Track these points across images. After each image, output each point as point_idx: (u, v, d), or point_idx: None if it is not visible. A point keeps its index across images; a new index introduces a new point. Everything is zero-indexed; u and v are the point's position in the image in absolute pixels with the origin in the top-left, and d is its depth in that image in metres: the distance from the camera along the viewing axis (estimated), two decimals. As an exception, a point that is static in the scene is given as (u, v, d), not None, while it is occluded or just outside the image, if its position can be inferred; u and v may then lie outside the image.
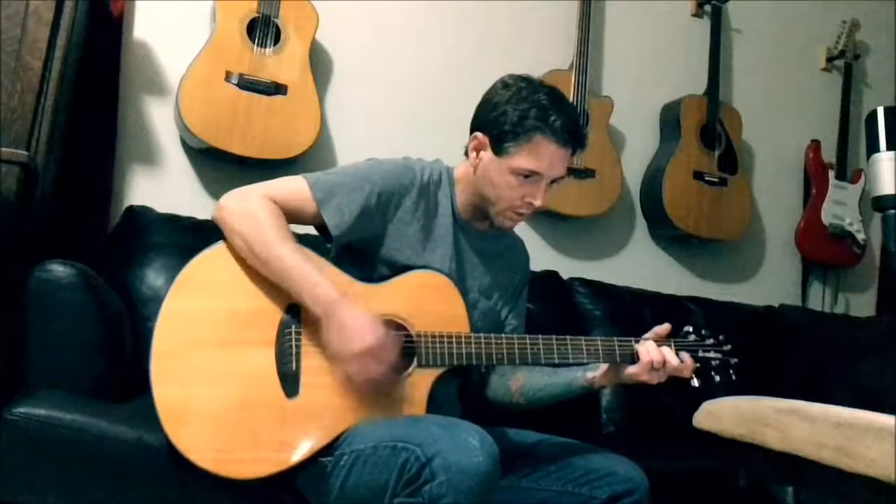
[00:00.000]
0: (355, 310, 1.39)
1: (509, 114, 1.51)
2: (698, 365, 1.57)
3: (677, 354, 1.54)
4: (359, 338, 1.37)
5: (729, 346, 1.61)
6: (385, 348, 1.39)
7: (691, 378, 1.57)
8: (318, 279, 1.41)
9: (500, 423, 1.61)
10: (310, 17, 2.40)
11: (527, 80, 1.57)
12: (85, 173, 2.20)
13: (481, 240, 1.65)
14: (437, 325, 1.49)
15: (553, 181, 1.56)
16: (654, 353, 1.50)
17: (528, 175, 1.53)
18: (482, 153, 1.57)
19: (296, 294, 1.41)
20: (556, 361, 1.54)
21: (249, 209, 1.44)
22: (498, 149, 1.53)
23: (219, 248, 1.47)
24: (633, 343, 1.54)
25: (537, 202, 1.55)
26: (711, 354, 1.59)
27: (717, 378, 1.58)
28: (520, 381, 1.64)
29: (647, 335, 1.56)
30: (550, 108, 1.51)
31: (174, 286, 1.43)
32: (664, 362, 1.50)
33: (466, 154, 1.61)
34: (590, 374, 1.56)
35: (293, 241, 1.44)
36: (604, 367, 1.55)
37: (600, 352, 1.54)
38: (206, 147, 2.27)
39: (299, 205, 1.49)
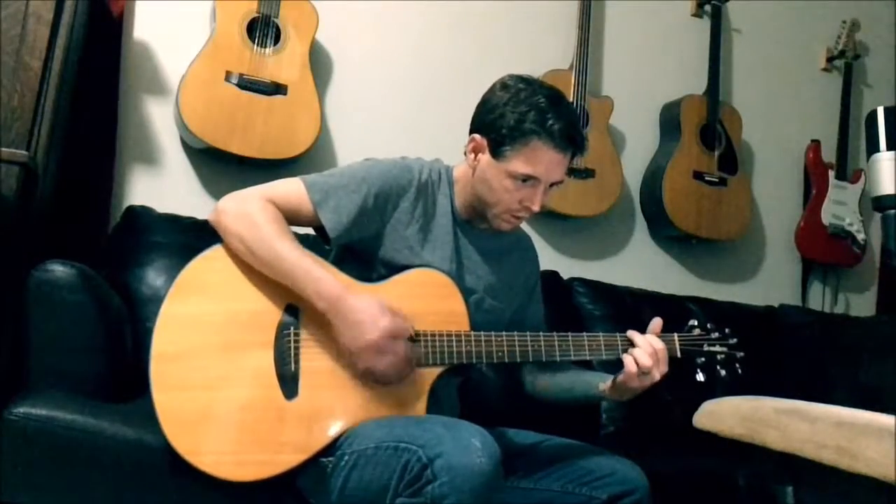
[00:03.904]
0: (361, 299, 1.39)
1: (507, 116, 1.49)
2: (702, 359, 1.57)
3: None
4: (371, 325, 1.37)
5: (734, 340, 1.60)
6: (400, 328, 1.39)
7: (697, 373, 1.56)
8: (322, 274, 1.40)
9: (500, 423, 1.61)
10: (310, 16, 2.40)
11: (526, 81, 1.55)
12: (85, 173, 2.20)
13: (483, 238, 1.65)
14: (436, 324, 1.49)
15: (552, 185, 1.55)
16: (642, 358, 1.48)
17: (526, 179, 1.51)
18: (480, 155, 1.55)
19: (300, 291, 1.41)
20: (558, 358, 1.54)
21: (247, 211, 1.44)
22: (496, 152, 1.52)
23: (216, 250, 1.47)
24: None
25: (535, 207, 1.53)
26: (717, 349, 1.58)
27: (723, 372, 1.57)
28: (544, 383, 1.67)
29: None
30: (549, 112, 1.48)
31: (172, 289, 1.43)
32: (650, 364, 1.49)
33: (465, 154, 1.60)
34: (602, 385, 1.56)
35: (292, 239, 1.44)
36: (610, 380, 1.55)
37: (602, 347, 1.54)
38: (206, 147, 2.28)
39: (296, 207, 1.49)
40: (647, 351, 1.49)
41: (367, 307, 1.38)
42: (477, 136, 1.55)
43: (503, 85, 1.55)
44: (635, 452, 1.61)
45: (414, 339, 1.45)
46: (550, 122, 1.48)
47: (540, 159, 1.49)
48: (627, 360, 1.49)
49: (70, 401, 1.50)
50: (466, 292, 1.57)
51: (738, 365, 1.58)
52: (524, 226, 1.70)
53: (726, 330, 1.62)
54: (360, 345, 1.38)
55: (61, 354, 1.61)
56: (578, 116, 1.58)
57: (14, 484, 1.43)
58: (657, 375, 1.50)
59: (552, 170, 1.52)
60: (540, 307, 1.76)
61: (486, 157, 1.54)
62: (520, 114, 1.49)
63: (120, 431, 1.46)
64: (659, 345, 1.50)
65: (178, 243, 2.06)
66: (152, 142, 2.39)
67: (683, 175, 2.88)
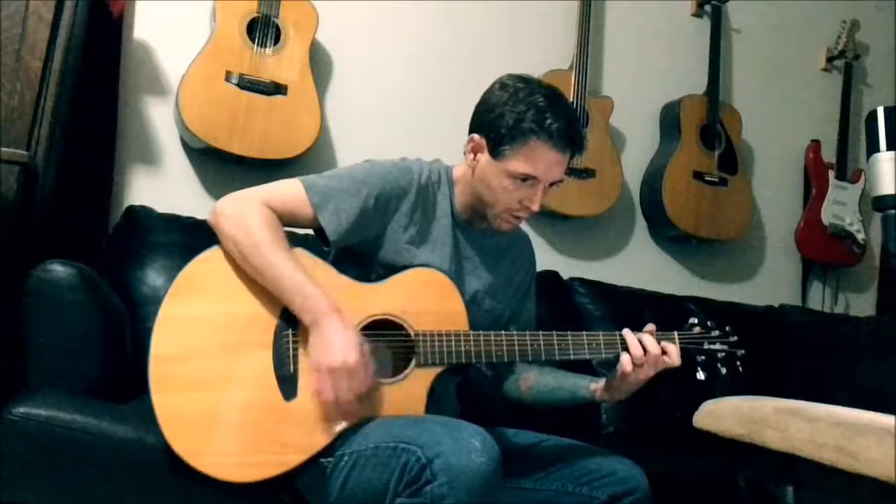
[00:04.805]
0: (343, 326, 1.38)
1: (506, 116, 1.49)
2: (703, 357, 1.57)
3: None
4: (338, 353, 1.35)
5: (735, 338, 1.59)
6: (359, 373, 1.37)
7: (697, 371, 1.56)
8: (311, 290, 1.39)
9: (499, 423, 1.61)
10: (310, 16, 2.40)
11: (525, 80, 1.54)
12: (85, 173, 2.19)
13: (483, 238, 1.65)
14: (435, 324, 1.48)
15: (552, 184, 1.55)
16: (634, 347, 1.49)
17: (525, 179, 1.51)
18: (479, 155, 1.55)
19: (287, 302, 1.41)
20: (557, 358, 1.53)
21: (243, 215, 1.43)
22: (495, 151, 1.51)
23: (215, 251, 1.47)
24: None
25: (534, 207, 1.53)
26: (717, 346, 1.58)
27: (724, 370, 1.57)
28: (529, 381, 1.65)
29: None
30: (547, 111, 1.48)
31: (171, 290, 1.43)
32: (644, 353, 1.49)
33: (465, 154, 1.60)
34: (592, 386, 1.56)
35: (287, 248, 1.43)
36: (603, 381, 1.55)
37: (602, 345, 1.53)
38: (205, 147, 2.27)
39: (296, 209, 1.48)
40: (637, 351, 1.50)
41: (340, 334, 1.37)
42: (476, 135, 1.55)
43: (502, 84, 1.55)
44: (635, 452, 1.61)
45: (406, 343, 1.46)
46: (549, 121, 1.48)
47: (539, 159, 1.49)
48: (624, 357, 1.49)
49: (70, 401, 1.50)
50: (466, 292, 1.57)
51: (738, 363, 1.58)
52: (523, 225, 1.70)
53: (727, 328, 1.61)
54: (319, 364, 1.37)
55: (61, 354, 1.61)
56: (577, 115, 1.57)
57: (14, 484, 1.43)
58: (651, 372, 1.50)
59: (551, 169, 1.51)
60: (532, 305, 1.76)
61: (485, 157, 1.54)
62: (518, 113, 1.48)
63: (120, 431, 1.46)
64: (650, 344, 1.50)
65: (178, 243, 2.06)
66: (152, 142, 2.39)
67: (683, 175, 2.88)
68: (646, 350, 1.49)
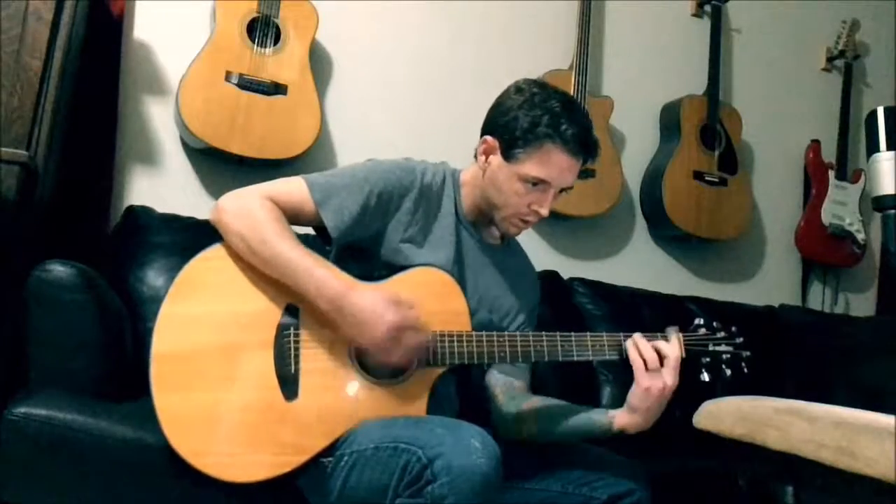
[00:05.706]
0: (364, 296, 1.38)
1: (521, 119, 1.49)
2: (707, 359, 1.56)
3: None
4: (379, 320, 1.35)
5: (741, 339, 1.58)
6: (408, 316, 1.37)
7: (701, 373, 1.55)
8: (323, 273, 1.39)
9: (500, 423, 1.61)
10: (310, 16, 2.40)
11: (540, 85, 1.55)
12: (85, 173, 2.19)
13: (488, 249, 1.64)
14: (438, 324, 1.48)
15: (562, 190, 1.55)
16: (646, 352, 1.46)
17: (537, 183, 1.51)
18: (491, 157, 1.55)
19: (301, 290, 1.40)
20: (560, 359, 1.52)
21: (247, 209, 1.43)
22: (508, 154, 1.51)
23: (216, 249, 1.47)
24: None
25: (543, 211, 1.53)
26: (722, 348, 1.56)
27: (729, 372, 1.55)
28: (532, 428, 1.55)
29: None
30: (563, 116, 1.48)
31: (172, 289, 1.43)
32: (657, 357, 1.46)
33: (476, 157, 1.60)
34: (610, 413, 1.49)
35: (293, 237, 1.43)
36: (622, 410, 1.48)
37: (605, 347, 1.52)
38: (205, 147, 2.27)
39: (298, 206, 1.48)
40: (647, 352, 1.47)
41: (370, 304, 1.37)
42: (489, 137, 1.55)
43: (517, 88, 1.55)
44: (635, 452, 1.61)
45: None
46: (564, 126, 1.48)
47: (553, 163, 1.49)
48: (632, 353, 1.46)
49: (70, 401, 1.50)
50: (466, 294, 1.56)
51: (743, 364, 1.56)
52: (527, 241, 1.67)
53: (732, 328, 1.60)
54: (371, 342, 1.37)
55: (61, 354, 1.61)
56: (591, 123, 1.57)
57: (14, 484, 1.43)
58: (669, 380, 1.44)
59: (564, 174, 1.52)
60: (531, 328, 1.69)
61: (497, 160, 1.54)
62: (534, 117, 1.49)
63: (120, 431, 1.47)
64: (651, 356, 1.46)
65: (178, 243, 2.06)
66: (152, 142, 2.39)
67: (683, 175, 2.88)
68: (660, 353, 1.45)
